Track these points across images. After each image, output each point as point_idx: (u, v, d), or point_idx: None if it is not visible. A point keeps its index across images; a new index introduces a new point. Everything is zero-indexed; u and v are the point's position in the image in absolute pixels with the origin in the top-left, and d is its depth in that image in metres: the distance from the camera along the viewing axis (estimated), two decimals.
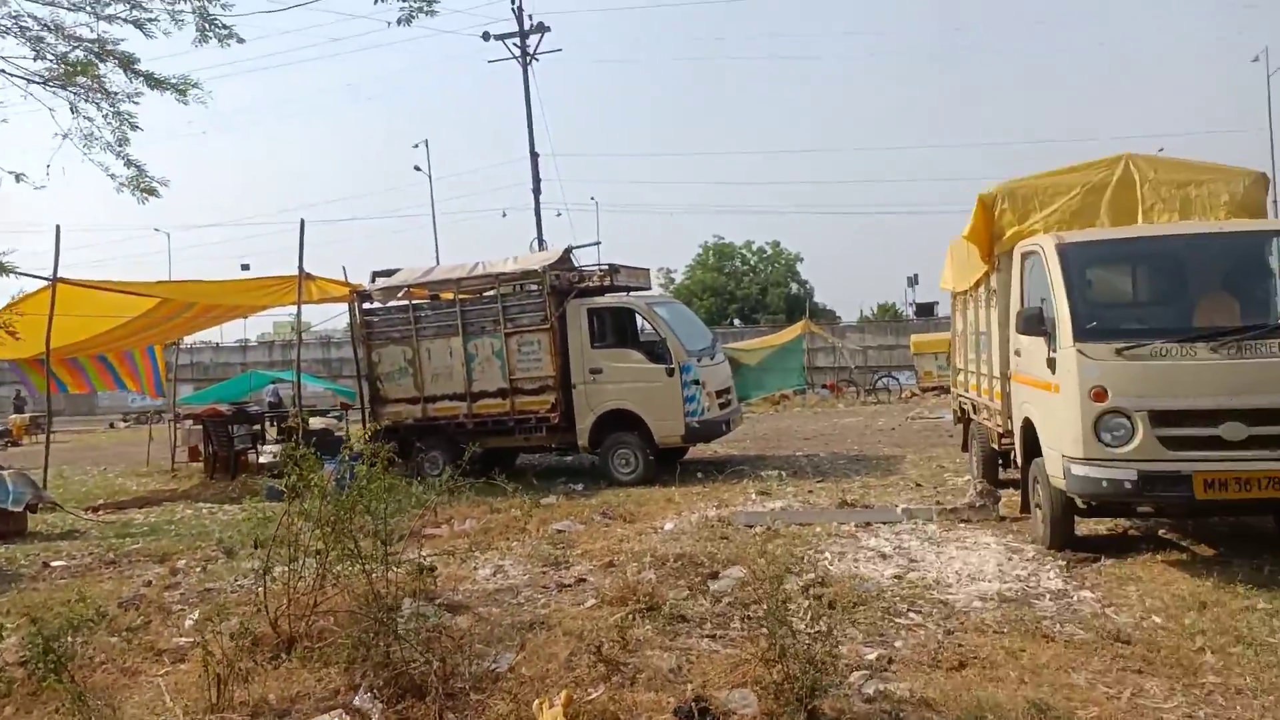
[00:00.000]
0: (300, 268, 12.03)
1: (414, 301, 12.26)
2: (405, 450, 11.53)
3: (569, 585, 6.42)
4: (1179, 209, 6.79)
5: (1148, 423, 5.57)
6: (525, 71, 27.70)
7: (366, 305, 12.53)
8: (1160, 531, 6.84)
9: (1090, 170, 7.11)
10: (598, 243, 17.18)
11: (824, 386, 27.21)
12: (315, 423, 15.23)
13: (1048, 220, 7.00)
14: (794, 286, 46.53)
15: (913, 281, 42.88)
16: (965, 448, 10.20)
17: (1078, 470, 5.78)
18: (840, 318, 42.02)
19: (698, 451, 12.97)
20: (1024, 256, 6.87)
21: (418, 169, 38.98)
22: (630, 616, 5.40)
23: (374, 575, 4.95)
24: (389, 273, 12.78)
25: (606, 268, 11.94)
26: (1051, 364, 6.07)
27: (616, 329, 12.18)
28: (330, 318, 33.72)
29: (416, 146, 38.82)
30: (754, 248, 47.84)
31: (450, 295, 12.15)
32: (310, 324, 28.68)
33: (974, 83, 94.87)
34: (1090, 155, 7.36)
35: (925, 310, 35.17)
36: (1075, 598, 5.51)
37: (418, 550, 5.68)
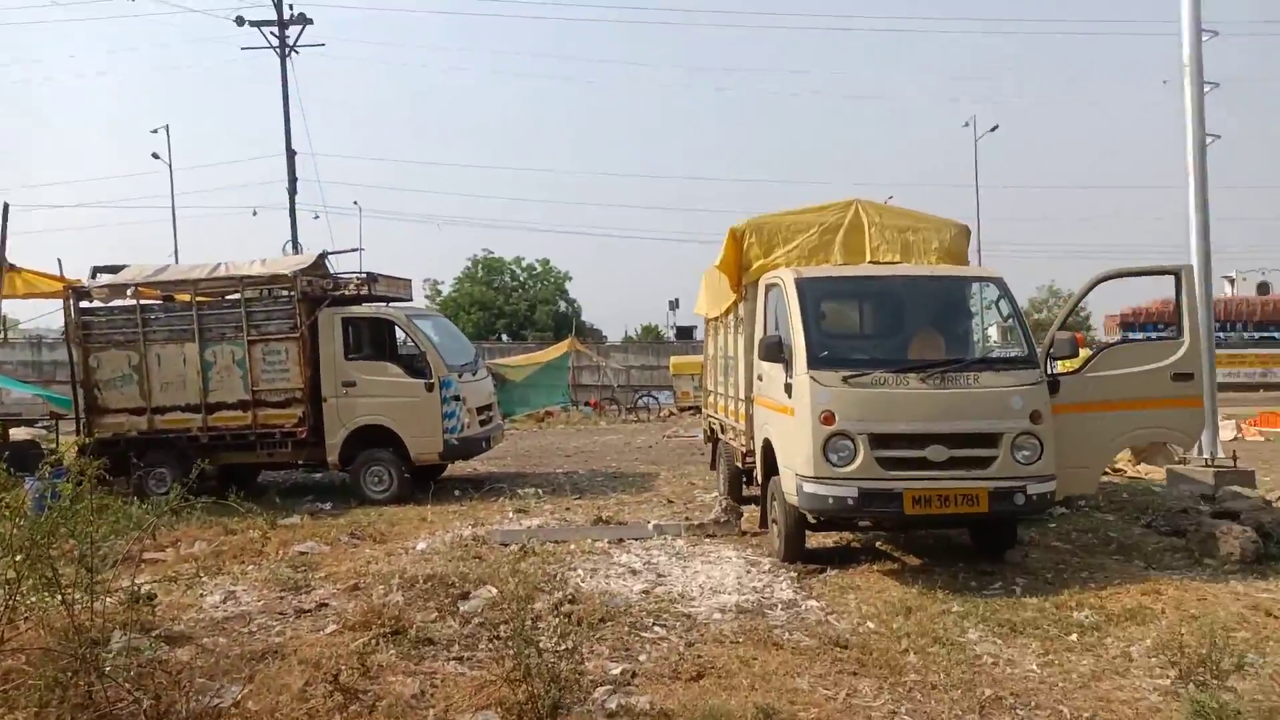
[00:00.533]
0: (1, 257, 10.57)
1: (143, 302, 11.12)
2: (124, 466, 10.41)
3: (308, 610, 6.06)
4: (900, 251, 7.54)
5: (868, 445, 6.12)
6: (283, 63, 26.15)
7: (85, 304, 11.22)
8: (878, 544, 7.53)
9: (826, 211, 7.76)
10: (358, 249, 16.47)
11: (588, 404, 27.64)
12: (18, 433, 13.39)
13: (789, 255, 7.54)
14: (562, 304, 47.05)
15: (674, 305, 44.65)
16: (713, 466, 10.73)
17: (809, 488, 6.24)
18: (606, 337, 42.98)
19: (456, 469, 12.73)
20: (767, 288, 7.36)
21: (156, 156, 35.44)
22: (373, 641, 5.17)
23: (76, 607, 4.40)
24: (114, 269, 11.53)
25: (364, 276, 11.45)
26: (788, 389, 6.53)
27: (374, 341, 11.71)
28: (42, 314, 29.89)
29: (155, 132, 35.07)
30: (524, 264, 47.94)
31: (187, 297, 11.15)
32: (17, 321, 25.30)
33: (731, 119, 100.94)
34: (831, 196, 8.03)
35: (685, 333, 36.73)
36: (803, 607, 5.93)
37: (134, 577, 5.13)
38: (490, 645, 5.18)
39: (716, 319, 9.83)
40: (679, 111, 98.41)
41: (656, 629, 5.57)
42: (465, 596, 6.15)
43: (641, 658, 5.05)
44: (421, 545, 7.98)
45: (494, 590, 6.16)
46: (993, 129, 40.41)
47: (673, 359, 27.32)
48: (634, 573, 6.88)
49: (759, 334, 7.36)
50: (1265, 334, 42.27)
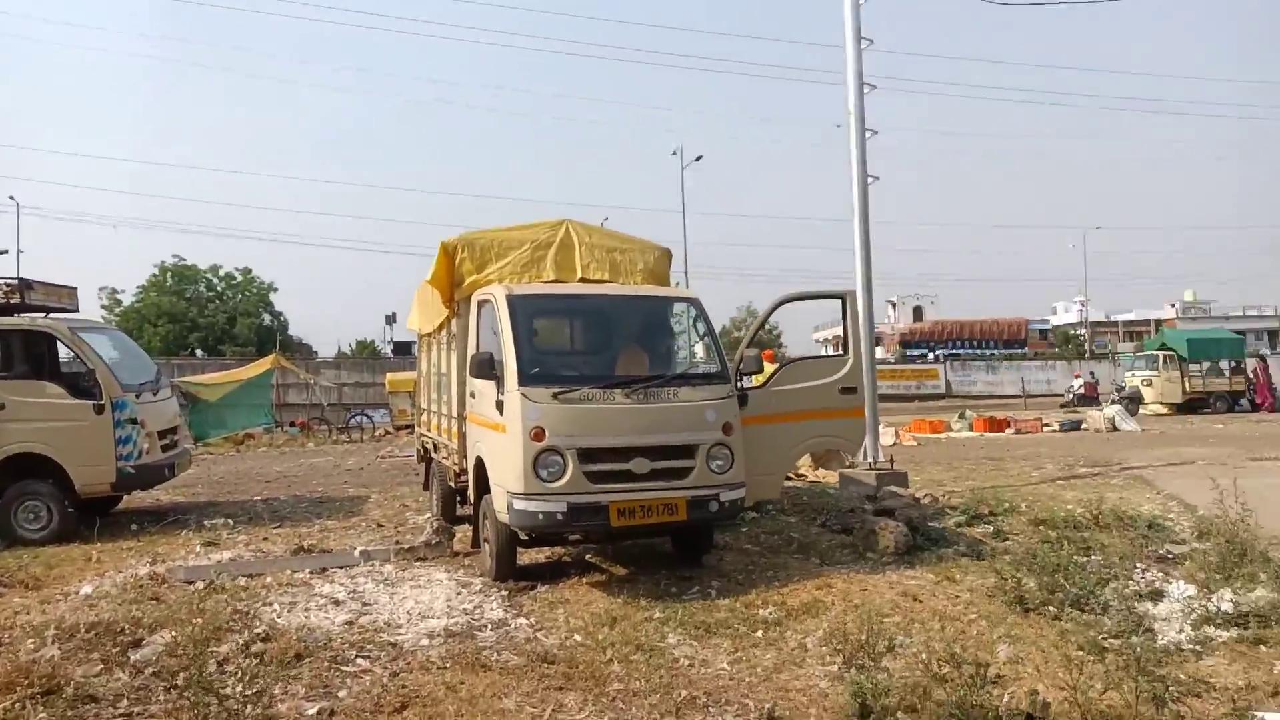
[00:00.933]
0: None
1: None
2: None
3: None
4: (609, 270, 7.82)
5: (576, 460, 6.27)
6: None
7: None
8: (588, 556, 7.72)
9: (538, 229, 7.88)
10: (6, 251, 14.26)
11: (294, 424, 25.94)
12: None
13: (501, 271, 7.57)
14: (266, 317, 43.86)
15: (390, 320, 43.30)
16: (426, 486, 10.47)
17: (519, 505, 6.26)
18: (317, 352, 40.63)
19: (135, 500, 11.39)
20: (480, 304, 7.33)
21: None
22: (19, 705, 4.47)
23: None
24: None
25: (16, 283, 9.94)
26: (500, 406, 6.53)
27: (29, 357, 10.20)
28: None
29: None
30: (221, 273, 44.15)
31: None
32: None
33: (451, 134, 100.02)
34: (555, 215, 8.14)
35: (402, 349, 35.67)
36: (513, 625, 5.92)
37: None
38: (166, 697, 4.66)
39: (430, 335, 9.63)
40: (398, 121, 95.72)
41: (359, 661, 5.31)
42: (138, 644, 5.50)
43: (341, 694, 4.79)
44: (86, 589, 7.03)
45: (171, 635, 5.56)
46: (697, 159, 43.40)
47: (389, 376, 26.40)
48: (337, 603, 6.52)
49: (471, 350, 7.29)
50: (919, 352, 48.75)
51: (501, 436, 6.53)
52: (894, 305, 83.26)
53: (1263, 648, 5.17)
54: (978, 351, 54.39)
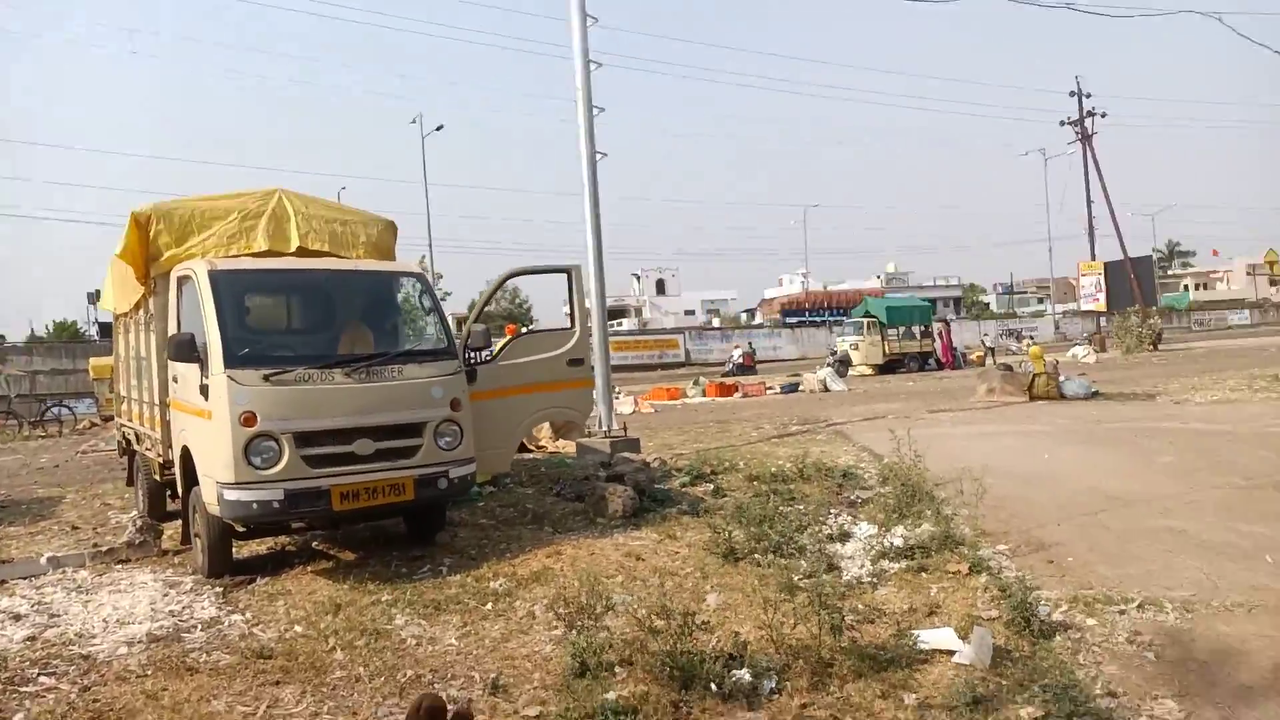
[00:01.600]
0: None
1: None
2: None
3: None
4: (329, 242, 7.44)
5: (293, 444, 5.97)
6: None
7: None
8: (314, 544, 7.40)
9: (247, 198, 7.35)
10: None
11: None
12: None
13: (205, 244, 7.00)
14: None
15: (94, 298, 38.66)
16: (131, 481, 9.54)
17: (230, 495, 5.88)
18: (3, 337, 35.54)
19: None
20: (180, 280, 6.75)
21: None
22: None
23: None
24: None
25: None
26: (205, 391, 6.07)
27: None
28: None
29: None
30: None
31: None
32: None
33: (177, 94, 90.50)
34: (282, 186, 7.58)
35: (109, 330, 32.00)
36: (227, 623, 5.57)
37: None
38: None
39: (126, 315, 8.72)
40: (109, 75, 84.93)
41: (44, 679, 4.78)
42: None
43: (18, 717, 4.30)
44: None
45: None
46: (438, 128, 42.22)
47: (92, 361, 23.64)
48: (18, 618, 5.80)
49: (172, 331, 6.70)
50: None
51: (208, 423, 6.08)
52: (638, 278, 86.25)
53: (924, 575, 5.97)
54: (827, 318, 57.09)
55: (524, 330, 10.69)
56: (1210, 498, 7.69)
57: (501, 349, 7.54)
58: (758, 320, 73.23)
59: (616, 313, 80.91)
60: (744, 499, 7.91)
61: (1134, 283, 35.97)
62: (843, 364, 28.69)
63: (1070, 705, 3.98)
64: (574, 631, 4.90)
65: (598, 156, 11.07)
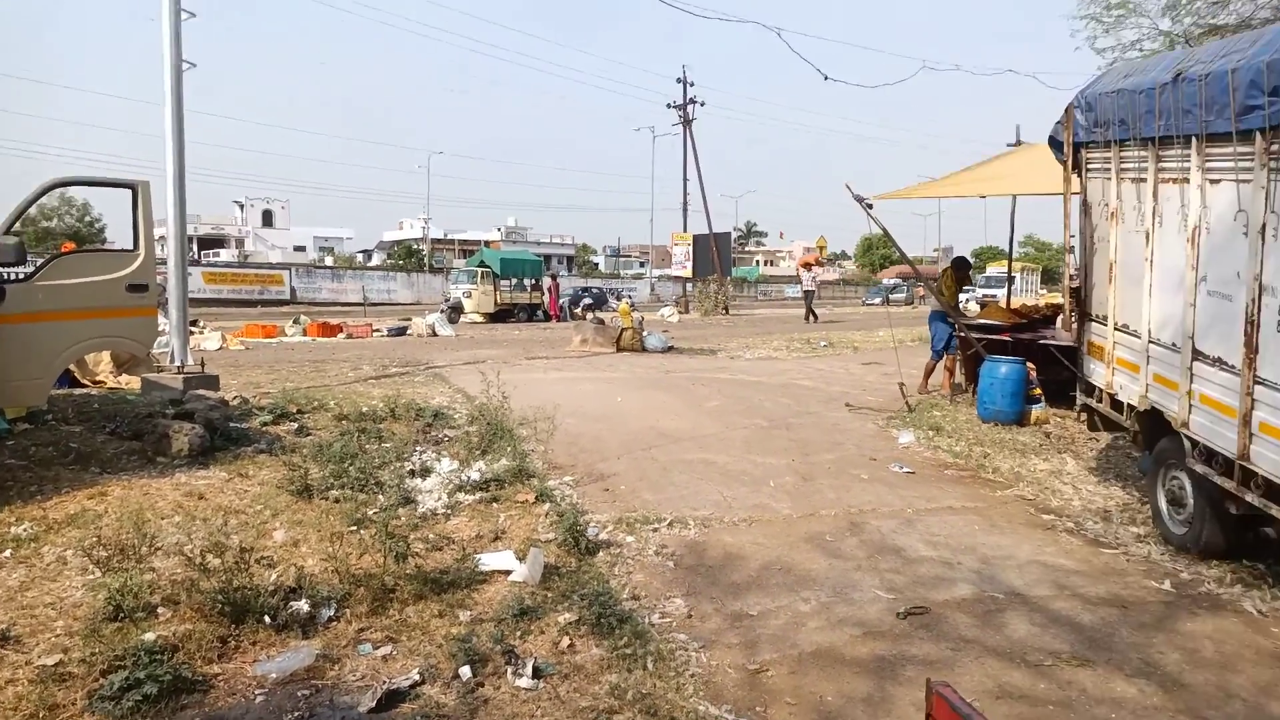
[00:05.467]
0: None
1: None
2: None
3: None
4: None
5: None
6: None
7: None
8: None
9: None
10: None
11: None
12: None
13: None
14: None
15: None
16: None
17: None
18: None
19: None
20: None
21: None
22: None
23: None
24: None
25: None
26: None
27: None
28: None
29: None
30: None
31: None
32: None
33: None
34: None
35: None
36: None
37: None
38: None
39: None
40: None
41: None
42: None
43: None
44: None
45: None
46: None
47: None
48: None
49: None
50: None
51: None
52: (241, 206, 78.69)
53: (495, 505, 6.38)
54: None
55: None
56: (739, 435, 9.10)
57: (41, 268, 6.55)
58: (374, 262, 70.84)
59: (213, 242, 73.27)
60: (328, 438, 7.76)
61: (715, 254, 40.46)
62: (455, 310, 28.94)
63: (600, 608, 4.55)
64: (110, 574, 4.53)
65: (185, 66, 9.94)
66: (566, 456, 7.89)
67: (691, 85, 42.47)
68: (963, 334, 10.79)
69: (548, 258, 56.38)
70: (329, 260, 67.26)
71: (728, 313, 38.43)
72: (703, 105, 44.93)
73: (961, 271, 11.35)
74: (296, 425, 8.52)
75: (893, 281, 64.34)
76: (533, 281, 34.22)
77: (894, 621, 4.63)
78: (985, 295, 36.84)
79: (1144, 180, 5.89)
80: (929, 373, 11.38)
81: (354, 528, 5.54)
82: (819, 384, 12.98)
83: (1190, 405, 5.32)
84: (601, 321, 20.64)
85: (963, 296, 12.63)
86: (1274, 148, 4.43)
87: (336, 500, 6.15)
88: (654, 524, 6.12)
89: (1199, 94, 4.99)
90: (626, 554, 5.59)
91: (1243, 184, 4.73)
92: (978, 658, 4.23)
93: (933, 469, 7.83)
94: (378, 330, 23.37)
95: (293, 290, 45.59)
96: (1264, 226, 4.51)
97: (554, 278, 37.52)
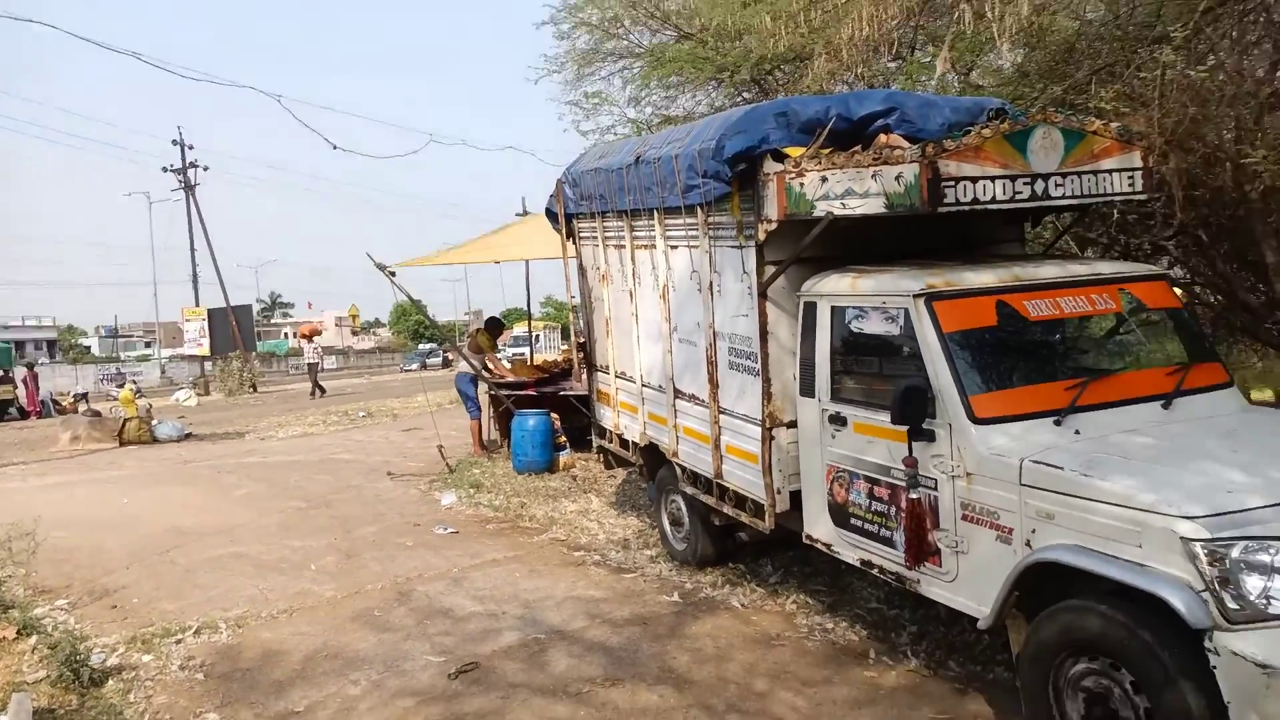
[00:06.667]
0: None
1: None
2: None
3: None
4: None
5: None
6: None
7: None
8: None
9: None
10: None
11: None
12: None
13: None
14: None
15: None
16: None
17: None
18: None
19: None
20: None
21: None
22: None
23: None
24: None
25: None
26: None
27: None
28: None
29: None
30: None
31: None
32: None
33: None
34: None
35: None
36: None
37: None
38: None
39: None
40: None
41: None
42: None
43: None
44: None
45: None
46: None
47: None
48: None
49: None
50: None
51: None
52: None
53: None
54: None
55: None
56: (274, 521, 8.52)
57: None
58: None
59: None
60: None
61: (235, 329, 37.46)
62: None
63: None
64: None
65: None
66: (58, 576, 6.71)
67: (191, 148, 39.18)
68: (491, 392, 11.36)
69: (19, 344, 47.51)
70: None
71: (255, 390, 35.70)
72: (205, 170, 41.41)
73: (495, 331, 12.19)
74: None
75: (429, 347, 65.31)
76: (2, 373, 28.51)
77: (446, 684, 4.68)
78: (514, 354, 39.16)
79: (624, 247, 6.81)
80: (476, 433, 11.77)
81: None
82: (359, 455, 12.66)
83: (678, 437, 6.24)
84: (97, 413, 17.89)
85: (502, 355, 13.41)
86: (711, 220, 5.44)
87: None
88: (177, 635, 5.46)
89: (655, 174, 5.94)
90: (144, 676, 4.93)
91: (693, 249, 5.73)
92: (525, 700, 4.45)
93: (475, 525, 8.08)
94: None
95: None
96: (711, 284, 5.51)
97: (30, 367, 31.66)
